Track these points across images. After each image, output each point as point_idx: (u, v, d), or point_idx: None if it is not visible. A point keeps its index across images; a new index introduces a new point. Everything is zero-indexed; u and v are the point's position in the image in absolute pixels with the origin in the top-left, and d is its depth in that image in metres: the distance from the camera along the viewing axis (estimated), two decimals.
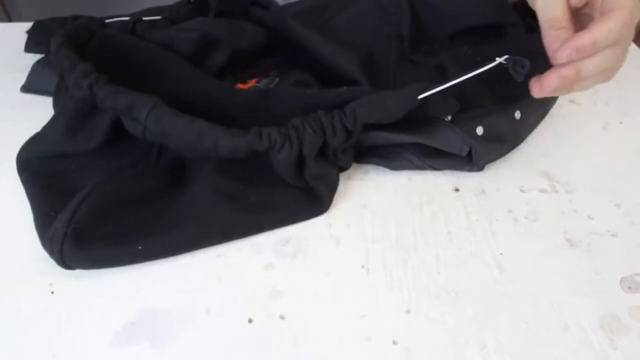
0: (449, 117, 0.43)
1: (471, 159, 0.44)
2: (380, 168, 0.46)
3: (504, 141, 0.47)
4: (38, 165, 0.43)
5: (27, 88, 0.54)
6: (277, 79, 0.51)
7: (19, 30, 0.57)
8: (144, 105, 0.39)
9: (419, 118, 0.43)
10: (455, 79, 0.41)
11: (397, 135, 0.43)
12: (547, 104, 0.51)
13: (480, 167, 0.46)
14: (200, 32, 0.50)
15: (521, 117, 0.47)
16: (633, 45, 0.66)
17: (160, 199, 0.41)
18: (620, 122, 0.52)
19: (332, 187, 0.43)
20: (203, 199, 0.40)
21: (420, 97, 0.41)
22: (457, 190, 0.44)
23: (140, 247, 0.37)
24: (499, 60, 0.39)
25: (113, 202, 0.39)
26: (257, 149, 0.39)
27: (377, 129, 0.43)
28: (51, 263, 0.36)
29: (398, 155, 0.45)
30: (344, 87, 0.44)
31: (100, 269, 0.37)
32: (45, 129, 0.45)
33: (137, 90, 0.42)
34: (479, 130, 0.44)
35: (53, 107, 0.49)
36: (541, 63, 0.55)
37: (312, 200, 0.42)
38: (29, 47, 0.56)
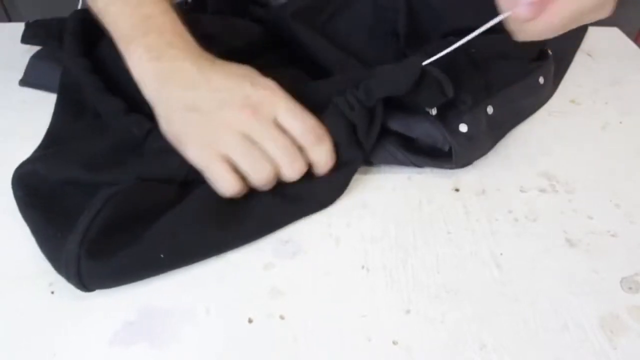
0: (434, 111, 0.43)
1: (451, 157, 0.44)
2: (381, 167, 0.46)
3: (484, 139, 0.47)
4: (41, 184, 0.40)
5: (25, 82, 0.54)
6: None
7: (19, 30, 0.57)
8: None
9: (406, 107, 0.43)
10: (460, 40, 0.41)
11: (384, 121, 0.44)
12: (517, 100, 0.51)
13: (461, 166, 0.45)
14: (192, 29, 0.50)
15: (493, 112, 0.47)
16: (633, 46, 0.66)
17: (177, 205, 0.39)
18: (620, 122, 0.52)
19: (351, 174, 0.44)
20: (219, 199, 0.39)
21: (425, 63, 0.42)
22: (457, 190, 0.44)
23: (162, 256, 0.36)
24: (506, 14, 0.39)
25: (127, 214, 0.37)
26: None
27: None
28: None
29: (381, 146, 0.45)
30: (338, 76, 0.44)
31: (124, 285, 0.36)
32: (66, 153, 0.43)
33: (130, 105, 0.43)
34: (463, 128, 0.44)
35: (58, 101, 0.49)
36: (530, 51, 0.55)
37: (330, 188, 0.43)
38: (25, 39, 0.56)
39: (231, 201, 0.40)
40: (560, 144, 0.49)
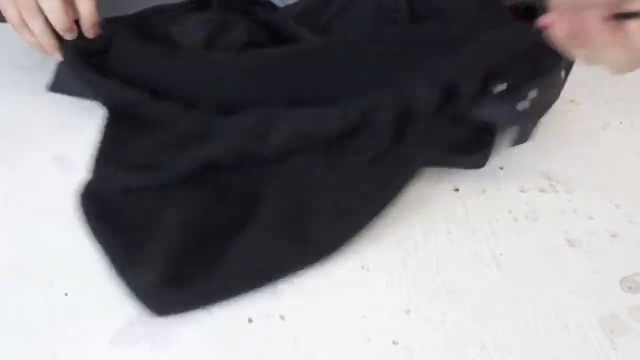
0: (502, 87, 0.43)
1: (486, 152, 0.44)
2: None
3: (546, 108, 0.46)
4: (104, 196, 0.40)
5: (55, 88, 0.52)
6: None
7: None
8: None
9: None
10: None
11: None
12: (553, 87, 0.50)
13: (522, 141, 0.45)
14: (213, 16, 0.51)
15: (565, 76, 0.46)
16: None
17: (242, 229, 0.38)
18: (620, 122, 0.52)
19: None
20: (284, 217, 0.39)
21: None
22: (457, 190, 0.44)
23: (238, 283, 0.36)
24: None
25: (199, 238, 0.37)
26: None
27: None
28: (51, 262, 0.37)
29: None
30: None
31: (201, 308, 0.36)
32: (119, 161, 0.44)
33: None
34: (525, 104, 0.43)
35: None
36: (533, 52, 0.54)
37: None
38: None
39: (296, 220, 0.39)
40: (560, 144, 0.49)
